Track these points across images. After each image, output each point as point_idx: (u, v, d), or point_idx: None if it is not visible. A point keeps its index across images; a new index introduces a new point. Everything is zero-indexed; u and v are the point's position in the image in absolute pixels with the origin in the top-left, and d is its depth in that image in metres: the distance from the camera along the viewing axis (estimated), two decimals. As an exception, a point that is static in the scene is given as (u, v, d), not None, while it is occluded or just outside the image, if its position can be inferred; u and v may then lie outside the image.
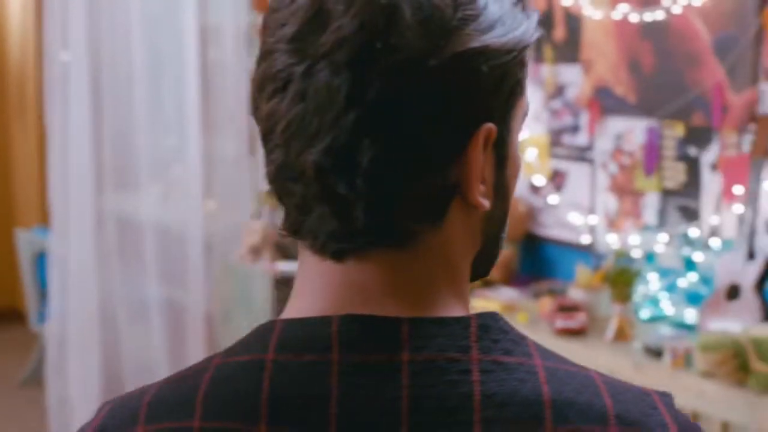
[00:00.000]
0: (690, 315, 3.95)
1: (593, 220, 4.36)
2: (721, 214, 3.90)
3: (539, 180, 4.57)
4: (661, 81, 4.06)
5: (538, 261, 4.65)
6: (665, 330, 3.86)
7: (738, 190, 3.81)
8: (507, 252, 4.54)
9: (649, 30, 4.07)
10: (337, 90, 0.85)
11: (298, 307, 0.93)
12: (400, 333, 0.87)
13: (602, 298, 4.07)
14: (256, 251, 5.02)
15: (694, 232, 3.96)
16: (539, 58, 4.52)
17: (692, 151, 3.99)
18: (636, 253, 4.06)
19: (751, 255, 3.69)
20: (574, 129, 4.43)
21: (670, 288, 4.04)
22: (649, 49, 4.09)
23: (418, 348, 0.87)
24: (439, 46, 0.85)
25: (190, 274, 5.14)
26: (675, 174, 4.06)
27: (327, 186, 0.87)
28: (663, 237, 4.06)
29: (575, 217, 4.42)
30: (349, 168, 0.86)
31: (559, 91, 4.47)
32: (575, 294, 4.10)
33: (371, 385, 0.86)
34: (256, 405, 0.87)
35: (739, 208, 3.81)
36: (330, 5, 0.86)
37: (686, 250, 3.99)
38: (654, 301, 4.07)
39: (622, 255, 4.03)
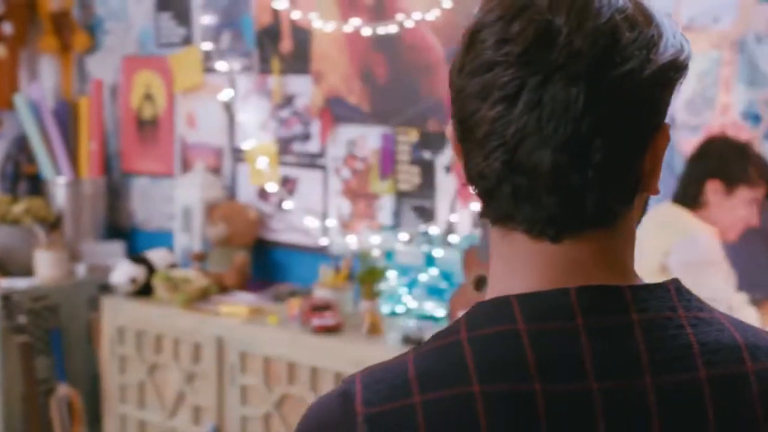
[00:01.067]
0: (431, 307, 4.25)
1: (328, 223, 4.56)
2: (457, 212, 4.24)
3: (270, 187, 4.72)
4: (395, 90, 4.34)
5: (270, 265, 4.79)
6: (412, 323, 4.13)
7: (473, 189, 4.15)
8: (240, 257, 4.65)
9: (382, 43, 4.35)
10: (575, 99, 1.01)
11: (516, 284, 1.08)
12: (625, 299, 1.05)
13: (347, 296, 4.29)
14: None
15: (433, 230, 4.27)
16: (266, 70, 4.67)
17: (427, 155, 4.30)
18: (377, 253, 4.31)
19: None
20: (305, 137, 4.62)
21: (412, 283, 4.32)
22: (383, 60, 4.36)
23: (641, 310, 1.05)
24: (649, 60, 1.03)
25: None
26: (410, 177, 4.35)
27: (560, 179, 1.02)
28: (403, 236, 4.34)
29: (309, 221, 4.61)
30: (582, 163, 1.02)
31: (287, 101, 4.64)
32: (321, 294, 4.28)
33: (614, 343, 1.03)
34: (526, 367, 1.01)
35: (475, 206, 4.16)
36: (558, 25, 1.02)
37: (426, 247, 4.29)
38: (396, 297, 4.33)
39: (367, 255, 4.26)
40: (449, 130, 1.12)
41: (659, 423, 1.01)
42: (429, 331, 3.91)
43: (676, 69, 1.06)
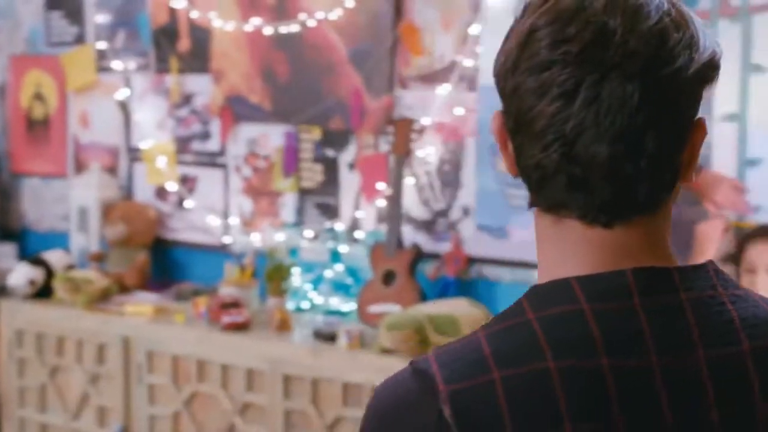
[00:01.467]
0: (337, 303, 4.32)
1: (230, 221, 4.58)
2: (362, 208, 4.31)
3: (169, 186, 4.71)
4: (298, 89, 4.39)
5: (170, 265, 4.78)
6: (320, 318, 4.19)
7: (379, 186, 4.23)
8: (140, 257, 4.63)
9: (283, 41, 4.39)
10: (630, 95, 1.10)
11: (570, 268, 1.16)
12: (673, 279, 1.15)
13: (253, 293, 4.32)
14: None
15: (338, 226, 4.33)
16: (163, 69, 4.66)
17: (330, 152, 4.36)
18: (281, 250, 4.35)
19: (399, 244, 4.12)
20: (205, 136, 4.63)
21: (318, 280, 4.37)
22: (284, 59, 4.40)
23: (687, 289, 1.14)
24: (692, 59, 1.13)
25: None
26: (313, 174, 4.40)
27: (616, 168, 1.11)
28: (308, 233, 4.39)
29: (209, 220, 4.62)
30: (636, 154, 1.11)
31: (186, 100, 4.65)
32: (227, 292, 4.30)
33: (668, 320, 1.12)
34: (593, 344, 1.09)
35: (381, 202, 4.24)
36: (613, 27, 1.11)
37: (331, 244, 4.35)
38: (302, 293, 4.38)
39: (274, 252, 4.30)
40: (495, 124, 1.20)
41: (713, 393, 1.10)
42: (339, 326, 3.98)
43: (713, 68, 1.15)
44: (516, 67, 1.14)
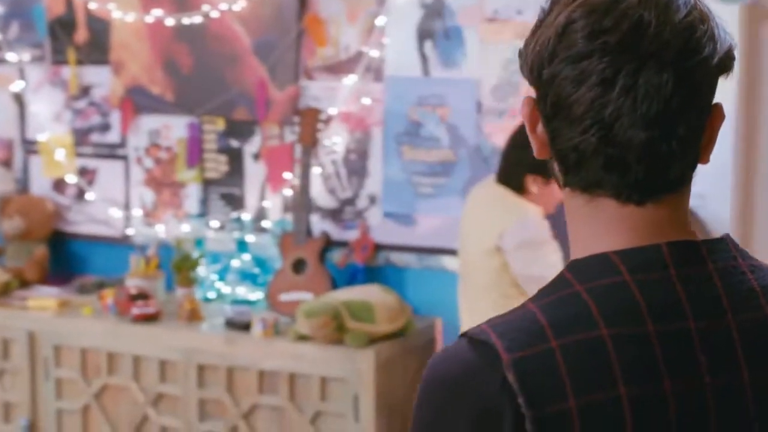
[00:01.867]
0: (244, 292, 4.35)
1: (132, 213, 4.56)
2: (268, 198, 4.35)
3: (68, 178, 4.66)
4: (201, 80, 4.40)
5: (70, 258, 4.73)
6: (229, 308, 4.22)
7: (285, 176, 4.28)
8: (39, 251, 4.58)
9: (186, 32, 4.39)
10: (665, 82, 1.19)
11: (605, 243, 1.25)
12: (701, 252, 1.25)
13: (159, 284, 4.32)
14: None
15: (245, 216, 4.36)
16: (60, 60, 4.61)
17: (234, 143, 4.39)
18: (187, 241, 4.35)
19: (308, 233, 4.18)
20: (104, 127, 4.59)
21: (225, 270, 4.40)
22: (187, 50, 4.41)
23: (714, 261, 1.25)
24: (715, 50, 1.23)
25: None
26: (217, 165, 4.42)
27: (651, 150, 1.21)
28: (214, 223, 4.40)
29: (110, 212, 4.59)
30: (669, 137, 1.21)
31: (84, 91, 4.60)
32: (133, 283, 4.28)
33: (700, 288, 1.22)
34: (639, 312, 1.19)
35: (287, 192, 4.29)
36: (648, 19, 1.20)
37: (237, 234, 4.37)
38: (209, 283, 4.39)
39: (181, 243, 4.30)
40: (525, 110, 1.28)
41: (743, 353, 1.20)
42: (252, 315, 4.01)
43: (731, 58, 1.26)
44: (553, 58, 1.22)
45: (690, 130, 1.21)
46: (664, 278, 1.20)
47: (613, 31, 1.19)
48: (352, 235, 4.25)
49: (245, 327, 3.97)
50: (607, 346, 1.16)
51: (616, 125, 1.19)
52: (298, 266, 4.18)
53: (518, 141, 3.57)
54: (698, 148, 1.24)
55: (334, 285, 4.13)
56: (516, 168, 3.56)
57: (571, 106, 1.20)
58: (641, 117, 1.18)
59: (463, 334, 1.22)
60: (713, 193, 3.62)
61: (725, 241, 1.27)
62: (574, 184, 1.25)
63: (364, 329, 3.81)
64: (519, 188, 3.56)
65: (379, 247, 4.24)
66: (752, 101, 3.70)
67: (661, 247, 1.22)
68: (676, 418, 1.15)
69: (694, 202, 3.55)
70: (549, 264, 3.43)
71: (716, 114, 1.26)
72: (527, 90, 4.13)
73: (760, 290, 1.24)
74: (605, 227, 1.24)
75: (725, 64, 1.24)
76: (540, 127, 1.27)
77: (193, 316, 4.11)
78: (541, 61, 1.23)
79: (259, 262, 4.37)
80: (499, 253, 3.47)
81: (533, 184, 3.54)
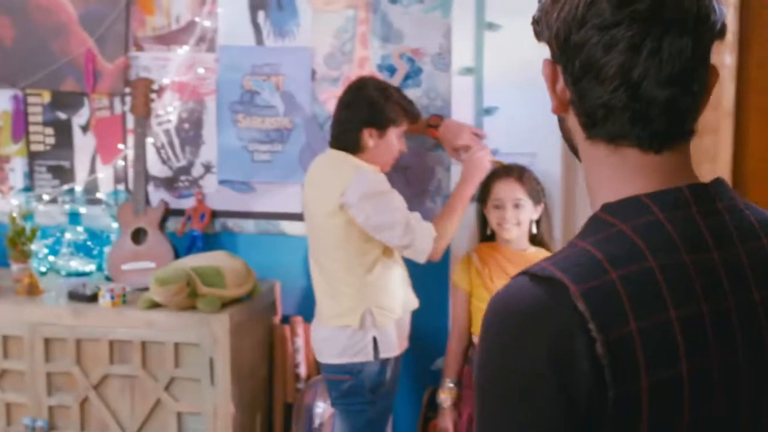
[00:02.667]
0: (78, 264, 4.33)
1: (-48, 189, 4.45)
2: (99, 170, 4.34)
3: None
4: (24, 52, 4.33)
5: None
6: (64, 280, 4.20)
7: (117, 147, 4.29)
8: None
9: (6, 5, 4.31)
10: (686, 46, 1.38)
11: (630, 187, 1.43)
12: (710, 192, 1.45)
13: (-10, 260, 4.25)
14: None
15: (76, 188, 4.33)
16: None
17: (62, 115, 4.35)
18: (17, 215, 4.29)
19: (147, 201, 4.21)
20: None
21: (57, 242, 4.36)
22: (8, 23, 4.33)
23: (720, 200, 1.45)
24: (717, 18, 1.43)
25: None
26: (44, 138, 4.37)
27: (673, 105, 1.40)
28: (45, 196, 4.35)
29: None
30: (687, 93, 1.40)
31: None
32: (-38, 261, 4.20)
33: (716, 223, 1.43)
34: (676, 245, 1.38)
35: (119, 163, 4.30)
36: None
37: (69, 207, 4.34)
38: (42, 257, 4.35)
39: (14, 218, 4.23)
40: (546, 70, 1.45)
41: (752, 277, 1.41)
42: (92, 287, 4.01)
43: (724, 26, 1.45)
44: (582, 25, 1.38)
45: (701, 87, 1.40)
46: (688, 216, 1.39)
47: (641, 0, 1.35)
48: (188, 203, 4.31)
49: (90, 298, 3.97)
50: (656, 275, 1.33)
51: (643, 84, 1.36)
52: (138, 236, 4.20)
53: (347, 101, 3.71)
54: (703, 103, 1.43)
55: (176, 253, 4.18)
56: (349, 126, 3.68)
57: (602, 69, 1.37)
58: (665, 77, 1.36)
59: (522, 274, 1.36)
60: (544, 152, 3.90)
61: (723, 183, 1.47)
62: (599, 136, 1.42)
63: (216, 294, 3.89)
64: (356, 146, 3.69)
65: (216, 214, 4.31)
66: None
67: (682, 189, 1.40)
68: (713, 335, 1.33)
69: (525, 160, 3.84)
70: (394, 208, 3.60)
71: (713, 73, 1.45)
72: (359, 58, 4.28)
73: (757, 224, 1.44)
74: (630, 173, 1.42)
75: (722, 31, 1.43)
76: (560, 86, 1.44)
77: (33, 291, 4.07)
78: (568, 28, 1.39)
79: (92, 234, 4.36)
80: (343, 210, 3.60)
81: (369, 138, 3.67)
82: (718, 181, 1.46)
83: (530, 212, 3.75)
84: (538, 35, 1.47)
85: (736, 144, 4.10)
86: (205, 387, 3.87)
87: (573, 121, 1.45)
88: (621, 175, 1.43)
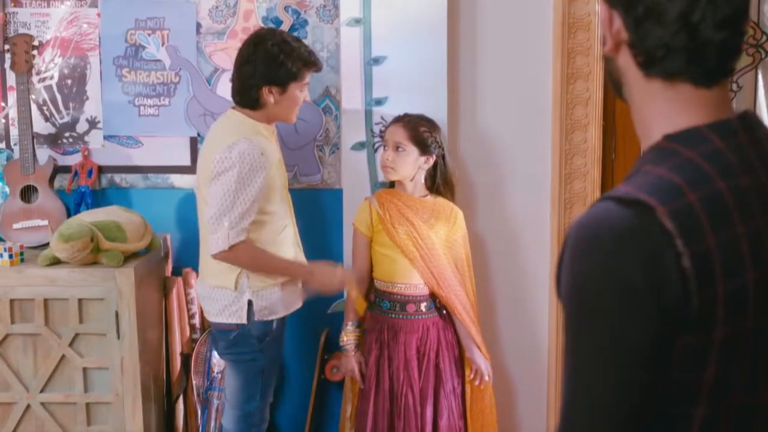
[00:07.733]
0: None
1: None
2: (-20, 129, 4.28)
3: None
4: None
5: None
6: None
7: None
8: None
9: None
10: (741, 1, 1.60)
11: (686, 118, 1.62)
12: (752, 123, 1.65)
13: None
14: None
15: (-43, 148, 4.26)
16: None
17: (-64, 74, 4.26)
18: None
19: (35, 159, 4.18)
20: None
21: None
22: None
23: (758, 129, 1.65)
24: None
25: None
26: None
27: (725, 45, 1.59)
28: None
29: None
30: (737, 35, 1.60)
31: None
32: None
33: (761, 150, 1.62)
34: (735, 169, 1.56)
35: (0, 121, 4.24)
36: None
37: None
38: None
39: None
40: (605, 15, 1.63)
41: None
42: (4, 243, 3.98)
43: None
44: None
45: (744, 29, 1.60)
46: (740, 144, 1.58)
47: None
48: (74, 159, 4.29)
49: (-17, 264, 3.94)
50: (725, 196, 1.51)
51: (701, 26, 1.54)
52: (28, 194, 4.17)
53: (246, 56, 3.66)
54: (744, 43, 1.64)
55: (68, 210, 4.17)
56: (249, 82, 3.64)
57: (663, 13, 1.55)
58: (720, 20, 1.55)
59: (606, 198, 1.52)
60: (430, 101, 4.07)
61: (755, 114, 1.67)
62: (656, 73, 1.60)
63: (119, 248, 3.92)
64: (256, 103, 3.67)
65: (103, 170, 4.31)
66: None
67: (732, 121, 1.59)
68: (766, 248, 1.53)
69: (412, 108, 4.00)
70: (229, 193, 3.54)
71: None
72: (244, 11, 4.34)
73: None
74: (684, 106, 1.60)
75: None
76: (615, 28, 1.61)
77: None
78: None
79: (-25, 193, 4.30)
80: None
81: (269, 95, 3.65)
82: (751, 113, 1.66)
83: (414, 159, 3.84)
84: None
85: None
86: (111, 341, 3.90)
87: (626, 60, 1.62)
88: (676, 107, 1.60)
